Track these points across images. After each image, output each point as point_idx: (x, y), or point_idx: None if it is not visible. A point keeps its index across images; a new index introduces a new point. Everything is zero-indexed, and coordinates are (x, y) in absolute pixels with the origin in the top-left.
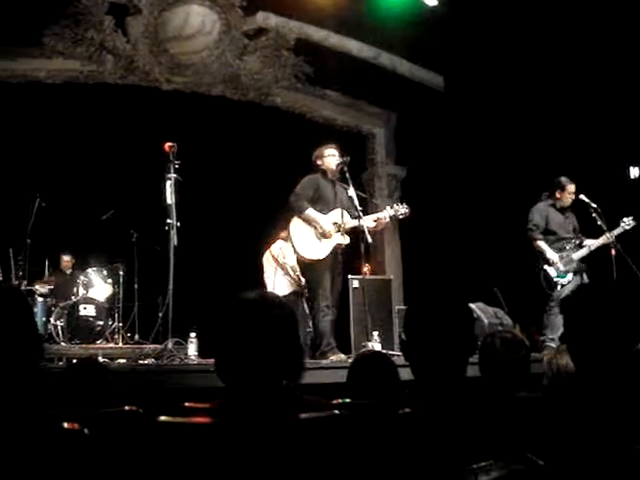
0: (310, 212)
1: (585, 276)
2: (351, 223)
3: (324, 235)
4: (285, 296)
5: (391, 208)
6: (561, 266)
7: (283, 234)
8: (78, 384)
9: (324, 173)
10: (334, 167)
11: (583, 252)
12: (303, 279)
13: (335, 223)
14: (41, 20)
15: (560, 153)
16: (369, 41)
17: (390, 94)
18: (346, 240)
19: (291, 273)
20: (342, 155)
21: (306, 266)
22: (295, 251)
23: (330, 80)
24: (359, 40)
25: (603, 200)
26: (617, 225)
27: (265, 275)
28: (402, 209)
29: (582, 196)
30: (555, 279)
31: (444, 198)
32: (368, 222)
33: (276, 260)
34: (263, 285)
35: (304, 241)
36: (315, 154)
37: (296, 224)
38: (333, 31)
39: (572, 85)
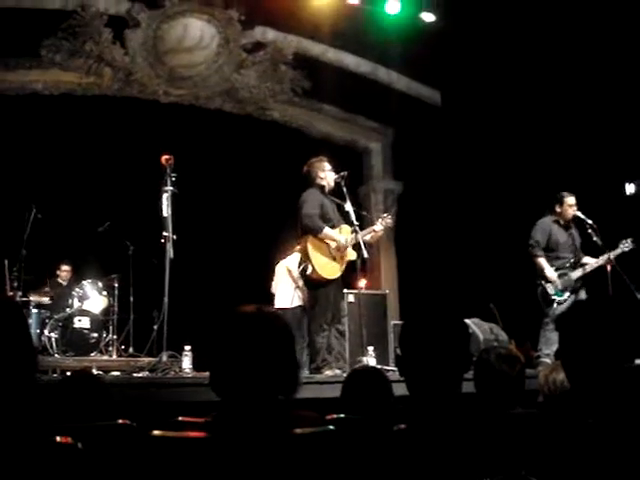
0: (327, 230)
1: (583, 294)
2: (353, 238)
3: (340, 251)
4: (293, 309)
5: (381, 220)
6: (559, 284)
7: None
8: (73, 396)
9: (322, 188)
10: (332, 183)
11: (580, 272)
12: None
13: (346, 239)
14: (39, 32)
15: (557, 168)
16: (366, 56)
17: (387, 109)
18: (354, 256)
19: (302, 288)
20: (339, 170)
21: (316, 284)
22: (314, 270)
23: (327, 95)
24: (356, 55)
25: (599, 217)
26: (614, 243)
27: (276, 286)
28: (387, 219)
29: (578, 212)
30: (553, 296)
31: (441, 213)
32: (365, 236)
33: (291, 273)
34: (270, 295)
35: (322, 260)
36: (312, 167)
37: (313, 244)
38: (331, 46)
39: (569, 101)
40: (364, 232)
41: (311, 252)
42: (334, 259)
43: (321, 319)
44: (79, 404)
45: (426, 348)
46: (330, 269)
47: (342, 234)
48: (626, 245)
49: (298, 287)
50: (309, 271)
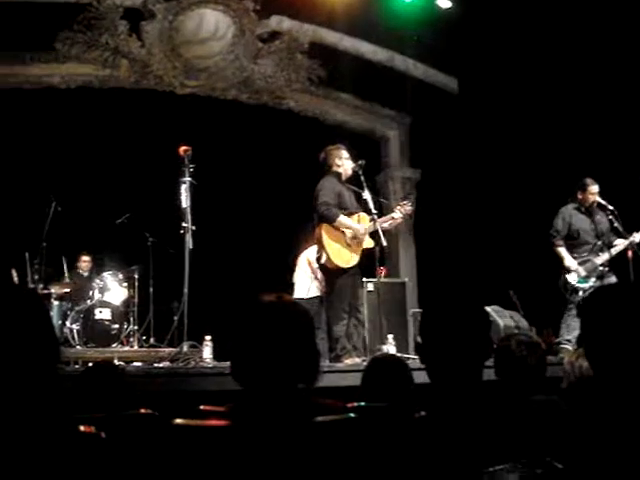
0: (342, 219)
1: (612, 279)
2: (371, 227)
3: (356, 239)
4: (310, 299)
5: (400, 207)
6: (582, 271)
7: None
8: (95, 387)
9: (339, 176)
10: (350, 172)
11: (605, 256)
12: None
13: (364, 228)
14: (54, 25)
15: (576, 153)
16: (383, 44)
17: (404, 97)
18: (371, 244)
19: (320, 278)
20: (357, 158)
21: (332, 272)
22: (328, 258)
23: (344, 83)
24: (373, 43)
25: (620, 203)
26: (636, 229)
27: (297, 276)
28: (406, 206)
29: (599, 199)
30: (576, 285)
31: (459, 200)
32: (384, 224)
33: (311, 264)
34: (291, 285)
35: (337, 249)
36: (328, 155)
37: (328, 232)
38: (346, 34)
39: (588, 86)
40: (383, 219)
41: (326, 240)
42: (350, 247)
43: (339, 308)
44: (101, 394)
45: (447, 336)
46: (345, 257)
47: (360, 223)
48: None
49: (317, 278)
50: (324, 259)
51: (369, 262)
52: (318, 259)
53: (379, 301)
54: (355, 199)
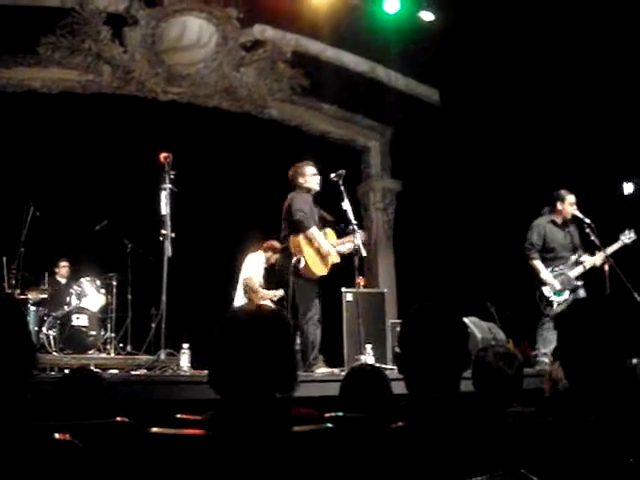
0: (314, 231)
1: (582, 293)
2: (343, 246)
3: (322, 255)
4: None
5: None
6: (557, 285)
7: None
8: (71, 394)
9: (308, 191)
10: (317, 187)
11: (579, 270)
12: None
13: (333, 245)
14: (37, 29)
15: (555, 167)
16: (365, 55)
17: (386, 108)
18: (339, 259)
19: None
20: (337, 168)
21: (307, 280)
22: (306, 265)
23: (326, 93)
24: (355, 54)
25: (597, 216)
26: (611, 242)
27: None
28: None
29: (576, 212)
30: (551, 298)
31: (439, 212)
32: (361, 236)
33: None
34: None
35: (313, 256)
36: (295, 171)
37: (306, 242)
38: (329, 44)
39: (567, 100)
40: (343, 240)
41: (304, 247)
42: (322, 258)
43: (310, 314)
44: (78, 402)
45: (425, 346)
46: (319, 266)
47: (327, 239)
48: (628, 237)
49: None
50: (302, 265)
51: (348, 272)
52: (297, 263)
53: (358, 311)
54: (319, 219)
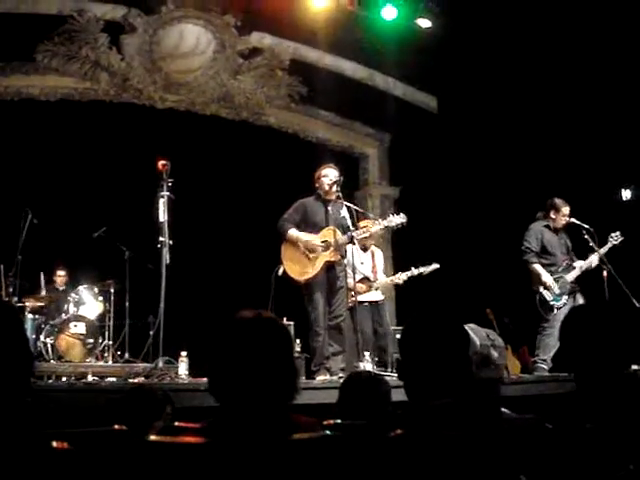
0: (292, 232)
1: (579, 297)
2: (344, 240)
3: (309, 251)
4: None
5: (384, 220)
6: (556, 289)
7: None
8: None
9: (319, 194)
10: (327, 188)
11: (575, 273)
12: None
13: (324, 241)
14: (35, 37)
15: (553, 174)
16: (363, 62)
17: (383, 115)
18: (336, 257)
19: None
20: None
21: (299, 286)
22: (284, 271)
23: (324, 100)
24: (353, 61)
25: (595, 222)
26: (605, 243)
27: None
28: (397, 219)
29: (574, 219)
30: (551, 302)
31: (437, 219)
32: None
33: None
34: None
35: (293, 264)
36: (314, 176)
37: (286, 248)
38: (327, 52)
39: (565, 107)
40: (358, 232)
41: (283, 254)
42: (308, 260)
43: (310, 322)
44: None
45: (426, 353)
46: (299, 271)
47: (320, 236)
48: (615, 238)
49: None
50: (280, 272)
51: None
52: (277, 273)
53: (356, 318)
54: (340, 216)
